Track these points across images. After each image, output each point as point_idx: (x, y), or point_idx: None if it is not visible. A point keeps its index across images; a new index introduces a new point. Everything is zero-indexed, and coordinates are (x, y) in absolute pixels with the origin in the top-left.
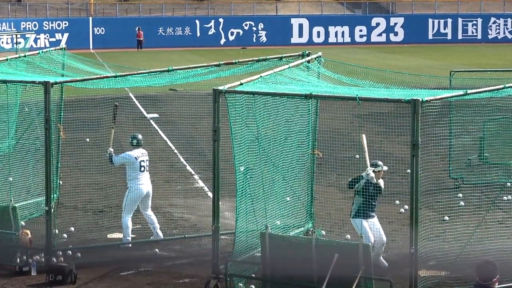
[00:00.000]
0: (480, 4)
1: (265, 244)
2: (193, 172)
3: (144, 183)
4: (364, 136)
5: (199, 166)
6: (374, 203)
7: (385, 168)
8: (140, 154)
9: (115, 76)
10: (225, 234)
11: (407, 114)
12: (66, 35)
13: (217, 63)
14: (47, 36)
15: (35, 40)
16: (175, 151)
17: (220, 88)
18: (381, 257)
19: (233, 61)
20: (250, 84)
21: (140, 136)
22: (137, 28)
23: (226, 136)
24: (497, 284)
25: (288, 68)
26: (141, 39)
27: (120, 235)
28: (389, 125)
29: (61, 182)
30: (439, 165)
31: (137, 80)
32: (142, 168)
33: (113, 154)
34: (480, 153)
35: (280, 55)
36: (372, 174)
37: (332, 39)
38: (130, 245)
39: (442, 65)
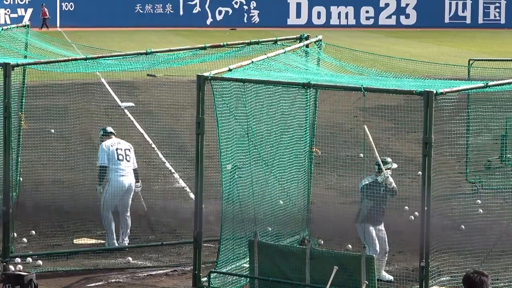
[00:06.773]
0: None
1: (254, 253)
2: (173, 170)
3: (126, 175)
4: (366, 127)
5: (180, 164)
6: (383, 207)
7: (394, 165)
8: (116, 142)
9: (85, 59)
10: (208, 241)
11: (419, 108)
12: (29, 10)
13: (203, 45)
14: (8, 11)
15: None
16: (153, 145)
17: (206, 74)
18: (383, 270)
19: (221, 43)
20: (240, 71)
21: (108, 128)
22: (42, 4)
23: (212, 130)
24: None
25: (284, 53)
26: (46, 17)
27: (88, 241)
28: (398, 120)
29: (21, 179)
30: (454, 167)
31: (111, 63)
32: (120, 157)
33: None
34: (502, 153)
35: (274, 38)
36: (391, 179)
37: (334, 20)
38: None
39: (460, 52)
